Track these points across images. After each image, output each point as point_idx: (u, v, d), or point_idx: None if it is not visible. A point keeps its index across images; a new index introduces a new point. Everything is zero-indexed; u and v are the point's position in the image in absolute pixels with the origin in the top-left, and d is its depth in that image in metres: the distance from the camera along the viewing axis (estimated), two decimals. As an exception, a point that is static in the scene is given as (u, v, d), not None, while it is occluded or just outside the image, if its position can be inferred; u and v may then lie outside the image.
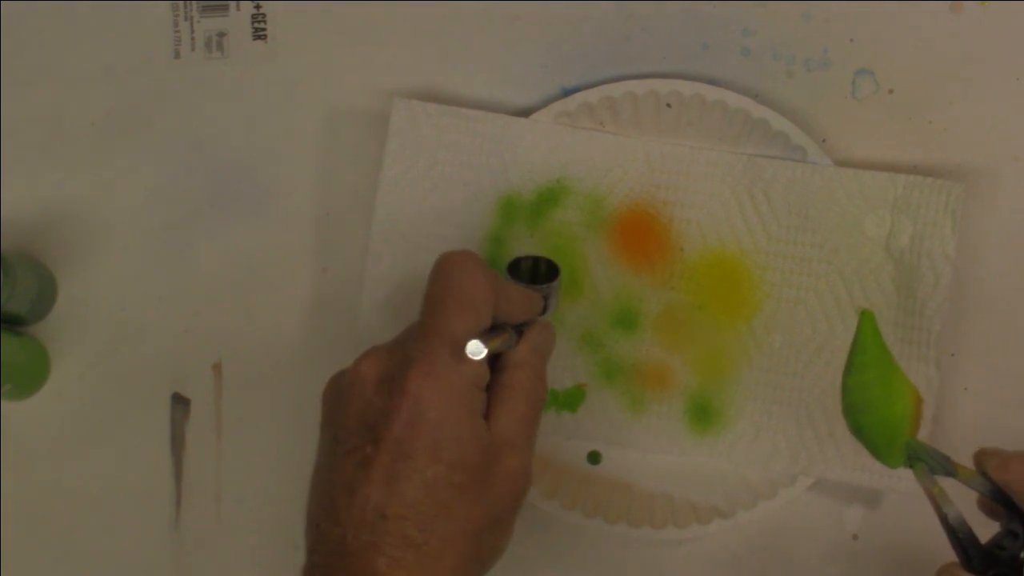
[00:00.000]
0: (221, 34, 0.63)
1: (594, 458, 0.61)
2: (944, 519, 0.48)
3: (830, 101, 0.62)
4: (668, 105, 0.60)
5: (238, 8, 0.63)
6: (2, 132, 0.63)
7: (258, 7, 0.63)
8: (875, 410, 0.50)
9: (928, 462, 0.50)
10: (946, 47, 0.61)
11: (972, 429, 0.61)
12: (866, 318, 0.53)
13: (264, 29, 0.63)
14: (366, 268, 0.60)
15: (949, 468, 0.50)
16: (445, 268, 0.49)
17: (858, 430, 0.53)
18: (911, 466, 0.50)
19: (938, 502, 0.49)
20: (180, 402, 0.62)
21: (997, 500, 0.49)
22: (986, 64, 0.61)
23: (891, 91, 0.62)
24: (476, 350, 0.47)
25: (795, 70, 0.62)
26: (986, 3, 0.61)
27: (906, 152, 0.61)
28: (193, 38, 0.63)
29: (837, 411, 0.56)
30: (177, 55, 0.63)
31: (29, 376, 0.61)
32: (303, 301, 0.62)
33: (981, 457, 0.49)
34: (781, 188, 0.60)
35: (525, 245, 0.61)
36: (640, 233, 0.61)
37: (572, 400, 0.61)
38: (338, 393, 0.49)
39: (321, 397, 0.50)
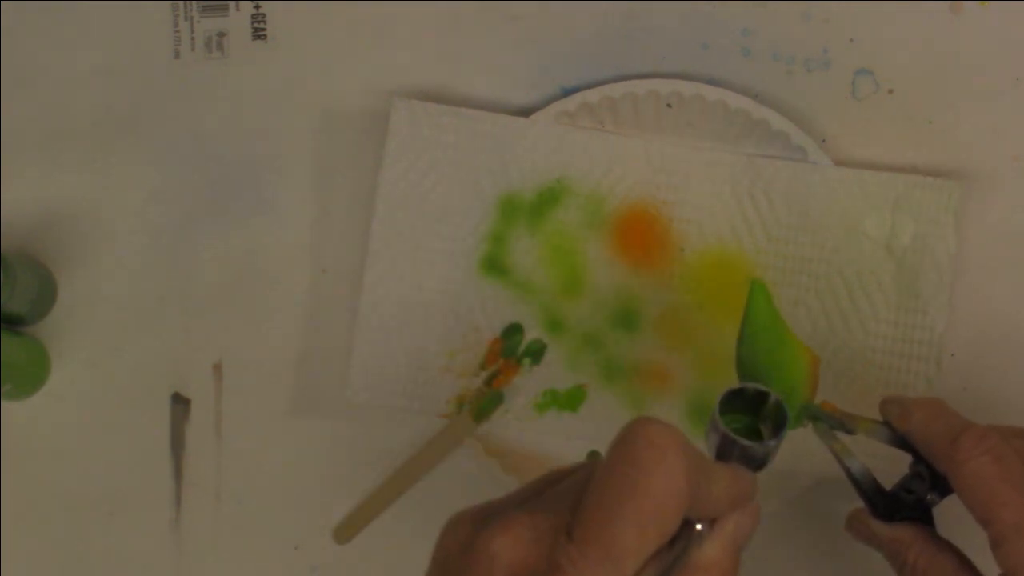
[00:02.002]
0: (221, 34, 0.63)
1: (595, 458, 0.61)
2: (848, 472, 0.49)
3: (830, 101, 0.62)
4: (668, 105, 0.60)
5: (238, 8, 0.63)
6: (2, 132, 0.63)
7: (258, 7, 0.63)
8: (767, 378, 0.50)
9: (827, 421, 0.50)
10: (946, 47, 0.61)
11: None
12: (756, 288, 0.52)
13: (264, 29, 0.63)
14: (366, 268, 0.60)
15: (848, 425, 0.50)
16: (636, 454, 0.37)
17: None
18: (811, 425, 0.51)
19: (840, 457, 0.49)
20: (180, 402, 0.62)
21: (902, 447, 0.49)
22: (986, 64, 0.61)
23: (891, 91, 0.62)
24: None
25: (795, 70, 0.62)
26: (986, 3, 0.61)
27: (906, 152, 0.61)
28: (193, 38, 0.63)
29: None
30: (177, 55, 0.63)
31: (29, 376, 0.61)
32: (303, 301, 0.62)
33: (884, 407, 0.50)
34: (781, 188, 0.60)
35: (525, 245, 0.61)
36: (640, 233, 0.61)
37: (573, 400, 0.61)
38: (458, 554, 0.38)
39: (437, 539, 0.40)
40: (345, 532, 0.61)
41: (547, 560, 0.36)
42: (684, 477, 0.36)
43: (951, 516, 0.48)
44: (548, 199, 0.61)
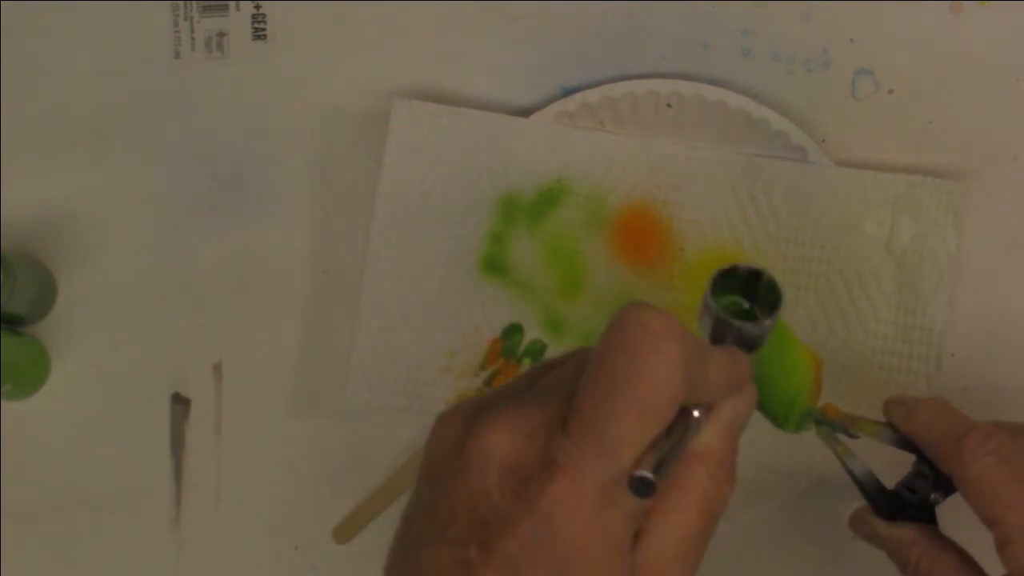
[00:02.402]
0: (221, 34, 0.63)
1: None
2: (851, 474, 0.49)
3: (830, 101, 0.62)
4: (668, 105, 0.60)
5: (238, 8, 0.63)
6: (2, 132, 0.63)
7: (258, 7, 0.63)
8: (772, 384, 0.49)
9: (831, 425, 0.50)
10: (946, 47, 0.61)
11: (972, 429, 0.61)
12: None
13: (264, 29, 0.63)
14: (366, 268, 0.60)
15: (851, 429, 0.50)
16: (630, 341, 0.35)
17: (759, 405, 0.52)
18: (814, 429, 0.51)
19: (843, 459, 0.49)
20: (180, 402, 0.62)
21: (905, 448, 0.49)
22: (986, 64, 0.61)
23: (891, 91, 0.62)
24: (644, 489, 0.34)
25: (795, 70, 0.62)
26: (986, 3, 0.61)
27: (906, 152, 0.61)
28: (193, 38, 0.63)
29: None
30: (177, 55, 0.63)
31: (29, 376, 0.61)
32: (303, 301, 0.62)
33: (888, 407, 0.50)
34: (781, 188, 0.60)
35: (525, 245, 0.61)
36: (640, 233, 0.61)
37: (572, 400, 0.60)
38: (450, 453, 0.37)
39: (428, 438, 0.39)
40: (345, 532, 0.61)
41: (542, 454, 0.35)
42: (680, 363, 0.35)
43: (955, 515, 0.48)
44: (548, 199, 0.61)
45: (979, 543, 0.47)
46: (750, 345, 0.43)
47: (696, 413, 0.37)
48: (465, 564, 0.35)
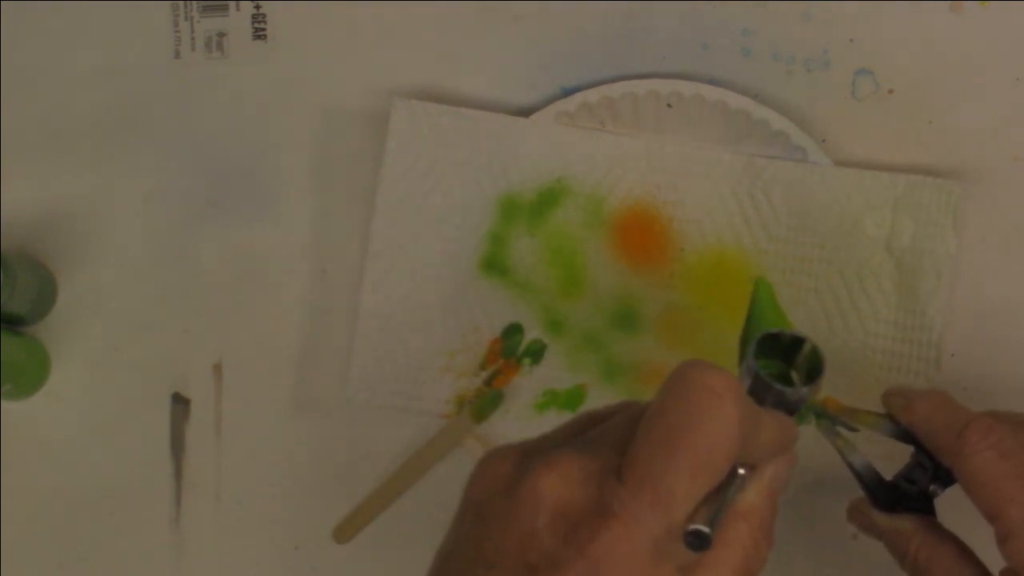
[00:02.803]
0: (221, 34, 0.63)
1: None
2: (851, 466, 0.49)
3: (830, 101, 0.62)
4: (668, 105, 0.60)
5: (238, 8, 0.63)
6: (2, 132, 0.63)
7: (258, 7, 0.63)
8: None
9: (831, 418, 0.50)
10: (946, 47, 0.61)
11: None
12: (760, 287, 0.52)
13: (264, 29, 0.63)
14: (366, 268, 0.60)
15: (851, 422, 0.50)
16: (691, 397, 0.36)
17: None
18: (815, 422, 0.50)
19: (843, 452, 0.50)
20: (180, 402, 0.62)
21: (904, 439, 0.49)
22: (986, 64, 0.61)
23: (891, 91, 0.62)
24: (699, 542, 0.35)
25: (795, 70, 0.62)
26: (986, 3, 0.61)
27: (906, 152, 0.61)
28: (193, 38, 0.63)
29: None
30: (177, 55, 0.63)
31: (29, 376, 0.61)
32: (303, 301, 0.62)
33: (887, 399, 0.50)
34: (781, 188, 0.60)
35: (525, 245, 0.61)
36: (640, 233, 0.61)
37: (573, 400, 0.61)
38: (500, 496, 0.37)
39: (472, 475, 0.39)
40: (345, 532, 0.61)
41: (596, 501, 0.35)
42: (738, 423, 0.36)
43: (953, 507, 0.48)
44: (548, 199, 0.61)
45: (977, 536, 0.47)
46: (788, 410, 0.44)
47: (741, 471, 0.38)
48: None
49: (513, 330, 0.60)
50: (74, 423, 0.62)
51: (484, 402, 0.60)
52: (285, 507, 0.62)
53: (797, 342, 0.46)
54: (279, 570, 0.62)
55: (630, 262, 0.61)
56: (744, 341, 0.52)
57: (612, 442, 0.37)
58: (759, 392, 0.44)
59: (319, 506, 0.61)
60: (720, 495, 0.37)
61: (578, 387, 0.61)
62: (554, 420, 0.60)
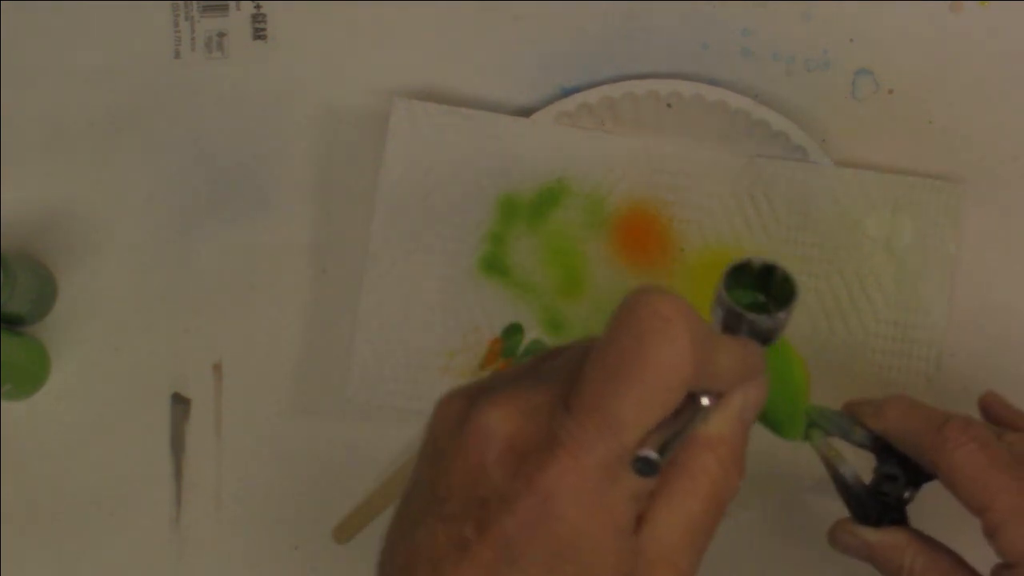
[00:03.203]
0: (221, 34, 0.63)
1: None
2: (842, 479, 0.48)
3: (830, 101, 0.62)
4: (668, 105, 0.60)
5: (238, 8, 0.63)
6: (2, 132, 0.63)
7: (258, 7, 0.63)
8: (776, 385, 0.48)
9: (824, 425, 0.49)
10: (946, 47, 0.61)
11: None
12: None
13: (264, 29, 0.63)
14: (366, 268, 0.60)
15: (844, 427, 0.49)
16: (639, 322, 0.35)
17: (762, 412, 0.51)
18: (807, 435, 0.50)
19: (834, 464, 0.48)
20: (180, 402, 0.62)
21: (870, 448, 0.49)
22: (986, 64, 0.61)
23: (891, 91, 0.62)
24: (647, 468, 0.34)
25: (795, 70, 0.62)
26: (986, 3, 0.61)
27: (906, 152, 0.61)
28: (193, 38, 0.63)
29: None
30: (177, 55, 0.63)
31: (29, 376, 0.61)
32: (303, 301, 0.62)
33: (855, 410, 0.49)
34: (781, 188, 0.60)
35: (525, 245, 0.61)
36: (640, 233, 0.61)
37: (572, 400, 0.60)
38: (450, 432, 0.37)
39: (429, 419, 0.39)
40: (345, 532, 0.61)
41: (544, 432, 0.35)
42: (689, 347, 0.35)
43: (924, 514, 0.48)
44: (548, 199, 0.61)
45: (952, 539, 0.47)
46: (763, 339, 0.43)
47: (705, 400, 0.37)
48: (461, 542, 0.35)
49: (513, 330, 0.60)
50: (74, 423, 0.62)
51: (484, 402, 0.60)
52: (285, 507, 0.62)
53: (768, 270, 0.44)
54: (279, 570, 0.62)
55: (630, 262, 0.61)
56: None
57: (562, 375, 0.36)
58: (732, 323, 0.42)
59: (319, 506, 0.61)
60: (676, 422, 0.36)
61: (578, 387, 0.60)
62: (554, 420, 0.60)
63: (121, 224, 0.63)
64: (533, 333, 0.60)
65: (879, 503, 0.49)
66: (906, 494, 0.48)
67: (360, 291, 0.60)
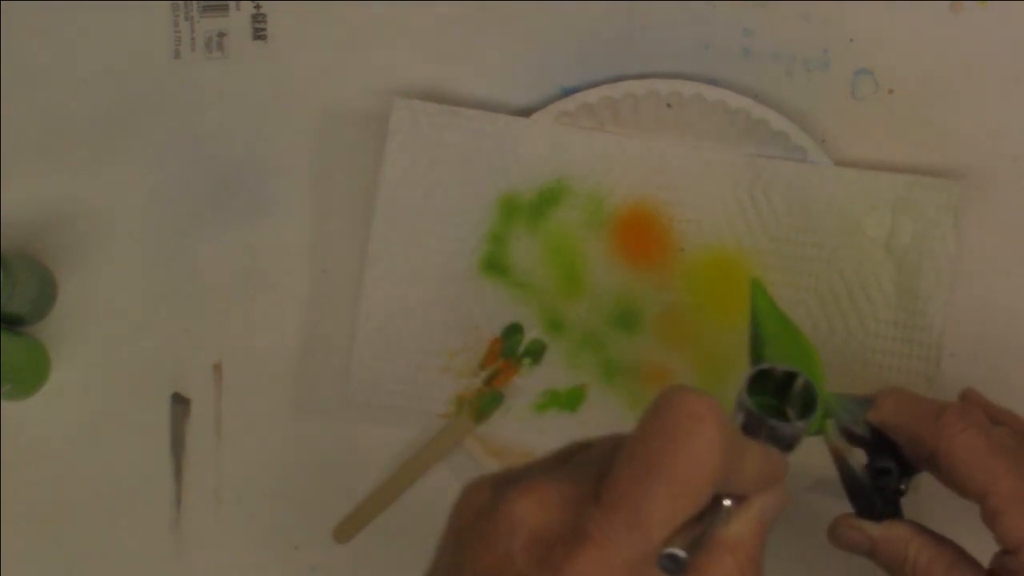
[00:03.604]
0: (221, 34, 0.63)
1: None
2: (852, 472, 0.49)
3: (830, 101, 0.62)
4: (668, 105, 0.60)
5: (238, 8, 0.63)
6: (2, 132, 0.63)
7: (258, 7, 0.63)
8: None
9: (839, 414, 0.49)
10: (946, 47, 0.61)
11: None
12: (758, 288, 0.51)
13: (264, 29, 0.63)
14: (366, 268, 0.60)
15: (857, 413, 0.49)
16: (672, 421, 0.36)
17: None
18: (821, 427, 0.49)
19: (845, 456, 0.49)
20: (180, 402, 0.62)
21: (866, 442, 0.49)
22: (986, 64, 0.61)
23: (891, 91, 0.62)
24: (674, 566, 0.35)
25: (795, 70, 0.62)
26: (986, 3, 0.61)
27: (906, 152, 0.61)
28: (193, 38, 0.63)
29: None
30: (177, 55, 0.63)
31: (29, 376, 0.61)
32: (303, 301, 0.62)
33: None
34: (781, 188, 0.60)
35: (525, 245, 0.61)
36: (640, 233, 0.61)
37: (572, 400, 0.61)
38: (477, 521, 0.37)
39: (454, 504, 0.39)
40: (345, 532, 0.61)
41: (572, 525, 0.35)
42: (719, 450, 0.35)
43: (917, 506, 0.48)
44: (548, 199, 0.61)
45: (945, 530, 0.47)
46: (783, 447, 0.43)
47: (727, 503, 0.38)
48: None
49: (513, 330, 0.60)
50: (74, 423, 0.62)
51: (484, 402, 0.60)
52: (285, 507, 0.62)
53: (790, 377, 0.45)
54: (279, 570, 0.62)
55: (630, 262, 0.61)
56: (759, 347, 0.51)
57: (591, 469, 0.37)
58: (752, 427, 0.43)
59: (319, 506, 0.61)
60: (701, 522, 0.37)
61: (578, 387, 0.60)
62: (554, 420, 0.60)
63: (121, 224, 0.63)
64: (533, 333, 0.60)
65: (879, 498, 0.49)
66: (902, 486, 0.49)
67: (360, 291, 0.60)
